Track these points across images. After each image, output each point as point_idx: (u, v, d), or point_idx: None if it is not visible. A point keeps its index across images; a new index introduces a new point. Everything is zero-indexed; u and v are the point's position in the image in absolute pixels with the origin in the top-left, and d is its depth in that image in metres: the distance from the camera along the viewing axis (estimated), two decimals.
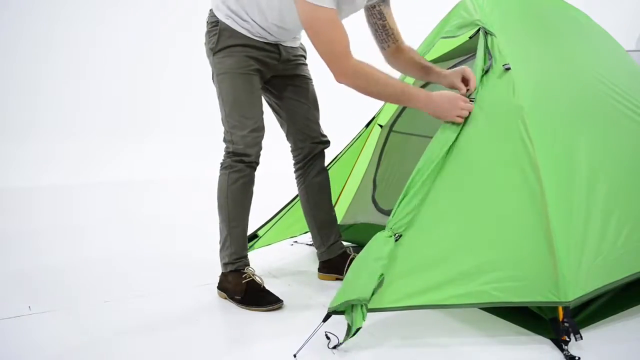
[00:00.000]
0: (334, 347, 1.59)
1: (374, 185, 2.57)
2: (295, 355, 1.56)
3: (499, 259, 1.63)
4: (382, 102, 2.48)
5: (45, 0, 5.30)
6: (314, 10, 1.75)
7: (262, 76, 2.04)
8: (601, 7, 5.52)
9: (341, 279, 2.00)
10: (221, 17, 1.96)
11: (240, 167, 2.01)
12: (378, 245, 1.65)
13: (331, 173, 2.31)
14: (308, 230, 2.34)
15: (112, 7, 5.50)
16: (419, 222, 1.68)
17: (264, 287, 2.03)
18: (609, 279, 1.67)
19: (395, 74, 2.01)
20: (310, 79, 2.19)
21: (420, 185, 1.70)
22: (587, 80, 1.94)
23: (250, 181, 2.05)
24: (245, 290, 2.00)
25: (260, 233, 2.45)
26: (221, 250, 2.09)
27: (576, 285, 1.58)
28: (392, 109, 2.52)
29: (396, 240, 1.65)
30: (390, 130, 2.55)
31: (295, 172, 2.27)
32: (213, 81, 2.04)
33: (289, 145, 2.24)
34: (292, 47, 2.10)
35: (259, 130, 2.01)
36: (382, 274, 1.60)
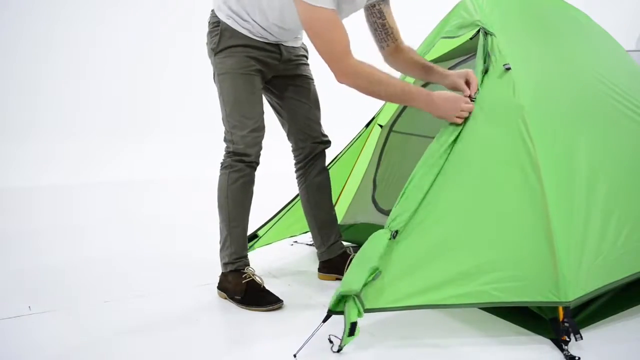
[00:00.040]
0: (339, 350, 1.58)
1: (374, 185, 2.57)
2: (295, 355, 1.56)
3: (499, 258, 1.63)
4: (382, 102, 2.48)
5: (45, 0, 5.30)
6: (313, 10, 1.76)
7: (263, 76, 2.04)
8: (601, 7, 5.53)
9: (341, 279, 2.00)
10: (222, 17, 1.96)
11: (240, 166, 2.01)
12: (374, 243, 1.66)
13: (331, 173, 2.31)
14: (308, 230, 2.34)
15: (112, 7, 5.50)
16: (418, 220, 1.69)
17: (264, 287, 2.03)
18: (609, 279, 1.67)
19: (395, 74, 2.02)
20: (312, 79, 2.19)
21: (419, 184, 1.71)
22: (587, 80, 1.94)
23: (251, 181, 2.05)
24: (245, 290, 2.00)
25: (260, 233, 2.45)
26: (221, 250, 2.09)
27: (576, 285, 1.58)
28: (392, 109, 2.52)
29: (393, 237, 1.65)
30: (390, 130, 2.55)
31: (296, 171, 2.27)
32: (214, 81, 2.05)
33: (290, 145, 2.24)
34: (293, 47, 2.10)
35: (259, 130, 2.01)
36: (377, 268, 1.60)
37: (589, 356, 1.53)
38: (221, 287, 2.09)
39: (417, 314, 1.83)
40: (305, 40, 2.03)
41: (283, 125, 2.22)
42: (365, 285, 1.58)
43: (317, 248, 2.31)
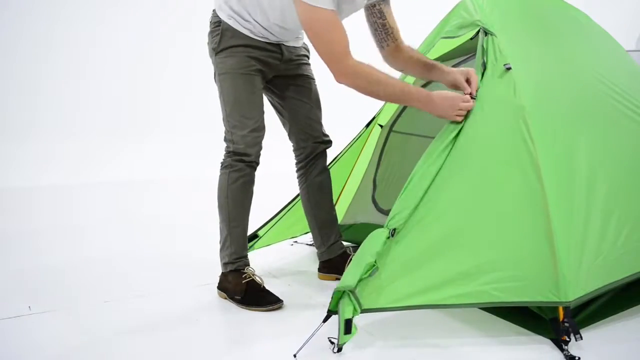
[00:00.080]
0: (339, 350, 1.58)
1: (374, 185, 2.58)
2: (295, 355, 1.56)
3: (499, 258, 1.63)
4: (382, 102, 2.48)
5: (45, 0, 5.31)
6: (313, 11, 1.76)
7: (264, 76, 2.04)
8: (601, 7, 5.53)
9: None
10: (223, 17, 1.96)
11: (240, 166, 2.01)
12: (372, 240, 1.66)
13: (331, 173, 2.31)
14: (308, 230, 2.34)
15: (112, 7, 5.51)
16: (417, 218, 1.69)
17: (264, 287, 2.03)
18: (609, 279, 1.67)
19: (395, 74, 2.02)
20: (313, 79, 2.19)
21: (419, 183, 1.70)
22: (588, 80, 1.94)
23: (251, 181, 2.05)
24: (245, 290, 2.00)
25: (260, 233, 2.45)
26: (221, 250, 2.09)
27: (576, 285, 1.58)
28: (392, 109, 2.52)
29: (392, 236, 1.65)
30: (391, 130, 2.55)
31: (297, 171, 2.27)
32: (215, 81, 2.05)
33: (291, 144, 2.24)
34: (294, 46, 2.10)
35: (259, 130, 2.01)
36: (373, 264, 1.60)
37: (589, 356, 1.53)
38: (221, 287, 2.09)
39: (417, 314, 1.83)
40: (306, 40, 2.03)
41: (284, 125, 2.22)
42: (360, 280, 1.58)
43: (317, 248, 2.31)
